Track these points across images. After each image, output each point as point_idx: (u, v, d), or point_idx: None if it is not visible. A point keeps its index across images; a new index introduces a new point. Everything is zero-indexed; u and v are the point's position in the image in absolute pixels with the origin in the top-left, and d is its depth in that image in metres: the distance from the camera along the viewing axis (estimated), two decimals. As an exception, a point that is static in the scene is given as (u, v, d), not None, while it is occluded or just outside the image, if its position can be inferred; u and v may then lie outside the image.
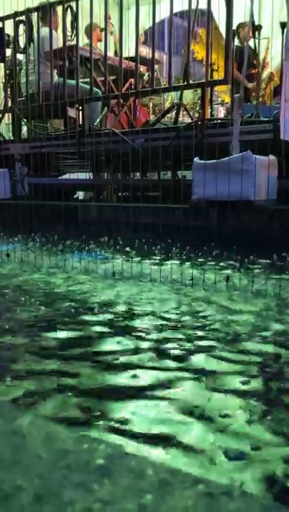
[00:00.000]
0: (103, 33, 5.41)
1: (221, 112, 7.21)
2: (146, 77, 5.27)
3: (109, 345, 1.65)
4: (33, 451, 0.80)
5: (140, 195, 4.32)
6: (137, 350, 1.57)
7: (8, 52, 5.58)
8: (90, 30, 4.86)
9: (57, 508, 0.64)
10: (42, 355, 1.55)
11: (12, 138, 5.68)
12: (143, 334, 1.74)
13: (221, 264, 2.97)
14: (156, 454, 0.93)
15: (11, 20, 5.34)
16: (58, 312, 2.06)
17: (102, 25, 5.33)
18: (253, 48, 4.94)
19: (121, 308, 2.09)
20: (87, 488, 0.68)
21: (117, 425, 1.05)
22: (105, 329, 1.82)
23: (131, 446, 0.96)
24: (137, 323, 1.88)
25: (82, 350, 1.59)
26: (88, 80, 4.92)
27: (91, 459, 0.76)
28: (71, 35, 5.03)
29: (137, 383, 1.29)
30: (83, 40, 5.68)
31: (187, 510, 0.62)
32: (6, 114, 5.98)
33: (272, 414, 1.10)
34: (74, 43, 4.98)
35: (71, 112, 5.21)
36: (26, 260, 3.16)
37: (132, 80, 4.95)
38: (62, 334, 1.77)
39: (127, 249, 3.27)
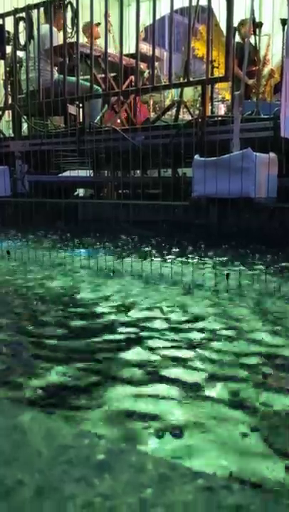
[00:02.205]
0: (98, 29, 5.41)
1: (221, 109, 7.20)
2: (146, 75, 5.27)
3: (111, 338, 1.65)
4: (34, 447, 0.80)
5: (140, 192, 4.33)
6: (139, 344, 1.57)
7: (9, 49, 5.58)
8: (90, 27, 4.86)
9: (58, 501, 0.64)
10: (42, 349, 1.55)
11: (12, 135, 5.68)
12: (145, 329, 1.74)
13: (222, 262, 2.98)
14: (157, 449, 0.94)
15: (11, 17, 5.34)
16: (60, 306, 2.07)
17: (100, 22, 5.33)
18: (253, 45, 4.94)
19: (119, 303, 2.09)
20: (88, 483, 0.68)
21: (117, 421, 1.06)
22: (108, 322, 1.82)
23: (131, 441, 0.96)
24: (139, 317, 1.88)
25: (84, 344, 1.59)
26: (88, 77, 4.92)
27: (92, 454, 0.77)
28: (71, 32, 5.03)
29: (138, 379, 1.30)
30: (83, 38, 5.68)
31: (187, 504, 0.63)
32: (6, 112, 5.98)
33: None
34: (74, 39, 4.98)
35: (71, 109, 5.22)
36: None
37: (133, 77, 4.95)
38: (62, 328, 1.78)
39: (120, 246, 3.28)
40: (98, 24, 5.44)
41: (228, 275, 2.46)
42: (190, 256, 3.11)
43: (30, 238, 4.02)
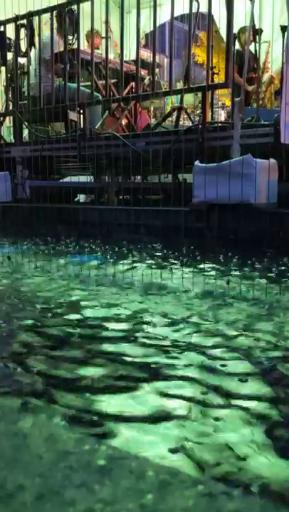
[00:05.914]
0: (103, 40, 5.44)
1: (221, 116, 7.22)
2: (146, 81, 5.29)
3: (111, 343, 1.65)
4: (35, 452, 0.80)
5: (141, 197, 4.33)
6: (140, 348, 1.57)
7: (10, 55, 5.60)
8: (91, 35, 4.88)
9: (59, 507, 0.64)
10: (44, 354, 1.55)
11: (13, 141, 5.70)
12: (147, 334, 1.74)
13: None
14: (157, 455, 0.94)
15: (13, 24, 5.36)
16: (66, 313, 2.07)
17: (101, 29, 5.36)
18: (253, 52, 4.96)
19: (123, 310, 2.09)
20: (89, 488, 0.68)
21: (118, 426, 1.06)
22: (110, 329, 1.82)
23: (132, 447, 0.97)
24: (136, 322, 1.88)
25: (84, 349, 1.59)
26: (89, 83, 4.94)
27: (92, 459, 0.77)
28: (72, 39, 5.05)
29: (138, 383, 1.30)
30: (84, 46, 5.71)
31: (187, 510, 0.63)
32: (8, 117, 6.00)
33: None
34: (75, 46, 5.00)
35: (72, 116, 5.24)
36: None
37: (133, 84, 4.97)
38: (64, 333, 1.78)
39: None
40: (103, 38, 5.47)
41: (228, 282, 2.47)
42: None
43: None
